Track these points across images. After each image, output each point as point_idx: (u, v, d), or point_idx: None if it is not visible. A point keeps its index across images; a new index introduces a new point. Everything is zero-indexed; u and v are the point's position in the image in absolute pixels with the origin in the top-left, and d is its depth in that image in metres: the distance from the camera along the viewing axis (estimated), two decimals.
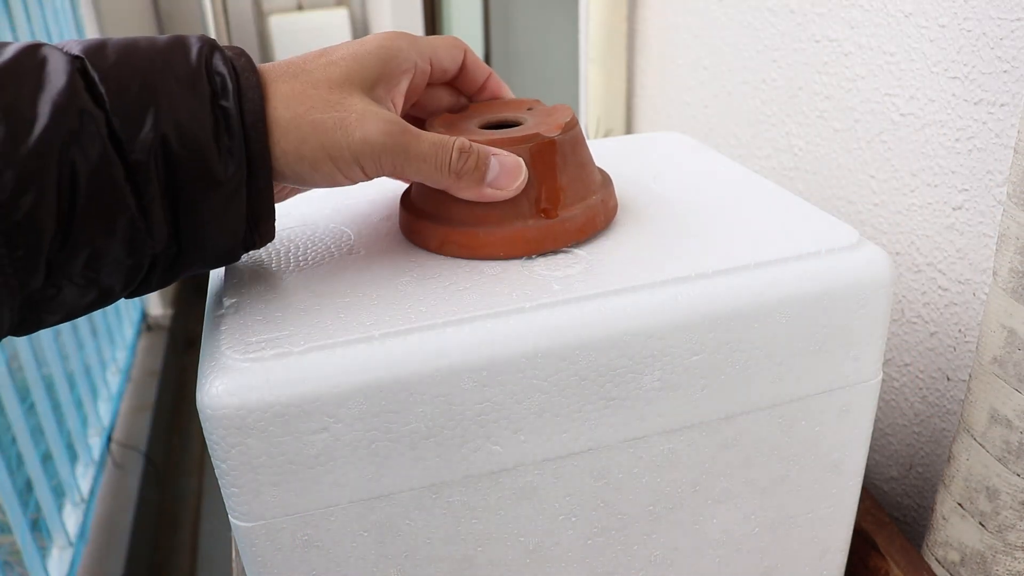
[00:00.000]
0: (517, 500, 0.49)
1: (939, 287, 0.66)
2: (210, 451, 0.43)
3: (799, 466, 0.55)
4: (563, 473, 0.49)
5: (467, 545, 0.49)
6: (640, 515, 0.52)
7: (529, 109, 0.53)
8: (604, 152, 0.73)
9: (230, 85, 0.38)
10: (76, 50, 0.37)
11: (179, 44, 0.39)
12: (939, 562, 0.61)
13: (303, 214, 0.58)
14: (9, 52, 0.36)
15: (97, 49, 0.37)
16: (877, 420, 0.76)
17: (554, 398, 0.46)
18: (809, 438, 0.54)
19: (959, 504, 0.58)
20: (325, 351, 0.42)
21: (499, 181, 0.45)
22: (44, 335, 1.74)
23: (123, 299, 0.42)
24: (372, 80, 0.43)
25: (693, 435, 0.51)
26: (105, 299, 0.40)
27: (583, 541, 0.52)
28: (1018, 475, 0.54)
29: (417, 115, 0.53)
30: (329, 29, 3.77)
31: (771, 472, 0.55)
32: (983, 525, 0.57)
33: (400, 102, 0.46)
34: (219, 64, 0.39)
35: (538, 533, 0.51)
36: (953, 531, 0.59)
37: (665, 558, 0.55)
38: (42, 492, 1.57)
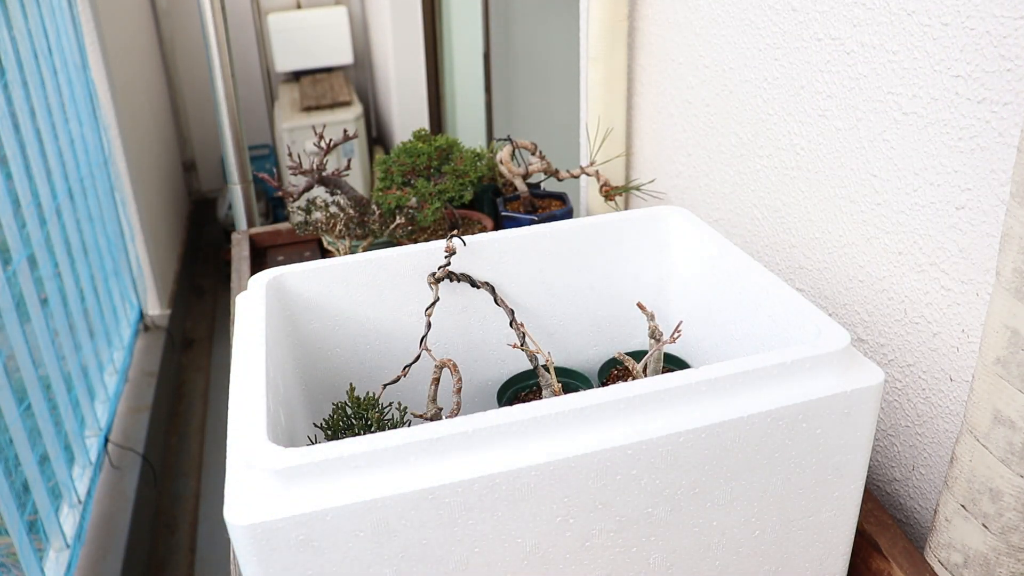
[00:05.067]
0: (515, 501, 0.48)
1: (942, 287, 0.66)
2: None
3: (800, 469, 0.55)
4: (561, 474, 0.49)
5: (463, 546, 0.49)
6: (639, 517, 0.52)
7: None
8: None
9: None
10: None
11: None
12: (942, 564, 0.61)
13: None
14: None
15: None
16: (880, 421, 0.76)
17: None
18: (811, 441, 0.54)
19: (962, 506, 0.58)
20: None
21: None
22: (41, 336, 1.74)
23: (120, 298, 0.42)
24: None
25: (693, 436, 0.51)
26: None
27: (581, 543, 0.51)
28: (1021, 476, 0.53)
29: None
30: (328, 27, 3.76)
31: (772, 475, 0.54)
32: (986, 527, 0.56)
33: None
34: None
35: (536, 535, 0.50)
36: (956, 533, 0.59)
37: (664, 561, 0.55)
38: (39, 493, 1.57)
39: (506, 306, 0.72)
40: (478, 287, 0.73)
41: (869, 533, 0.65)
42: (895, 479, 0.75)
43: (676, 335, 0.65)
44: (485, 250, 0.74)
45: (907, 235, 0.69)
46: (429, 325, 0.69)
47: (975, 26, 0.59)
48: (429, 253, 0.73)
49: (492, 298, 0.74)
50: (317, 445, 0.47)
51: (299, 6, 3.83)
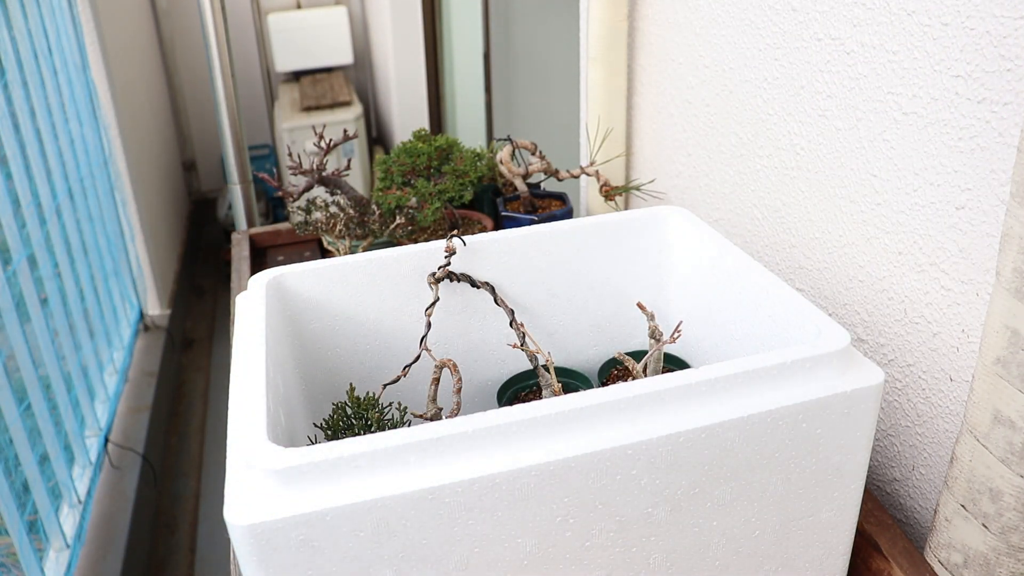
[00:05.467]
0: (515, 501, 0.48)
1: (942, 287, 0.66)
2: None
3: (800, 469, 0.55)
4: (561, 474, 0.48)
5: (463, 546, 0.49)
6: (639, 517, 0.52)
7: None
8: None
9: None
10: None
11: None
12: (942, 564, 0.61)
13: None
14: None
15: None
16: (880, 421, 0.76)
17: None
18: (811, 441, 0.54)
19: (962, 506, 0.58)
20: None
21: None
22: (41, 336, 1.74)
23: (120, 298, 0.41)
24: None
25: (693, 436, 0.51)
26: None
27: (581, 543, 0.51)
28: (1021, 476, 0.53)
29: None
30: (328, 27, 3.76)
31: (772, 475, 0.54)
32: (986, 527, 0.56)
33: None
34: None
35: (536, 535, 0.50)
36: (956, 533, 0.59)
37: (664, 560, 0.54)
38: (39, 493, 1.57)
39: (506, 306, 0.72)
40: (478, 287, 0.73)
41: (869, 533, 0.65)
42: (895, 479, 0.75)
43: (676, 335, 0.65)
44: (485, 250, 0.74)
45: (907, 235, 0.69)
46: (429, 325, 0.69)
47: (975, 26, 0.59)
48: (429, 253, 0.73)
49: (492, 298, 0.74)
50: (317, 445, 0.47)
51: (299, 6, 3.83)
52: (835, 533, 0.59)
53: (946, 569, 0.60)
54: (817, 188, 0.79)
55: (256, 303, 0.65)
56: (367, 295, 0.72)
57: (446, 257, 0.72)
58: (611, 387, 0.51)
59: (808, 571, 0.60)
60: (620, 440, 0.49)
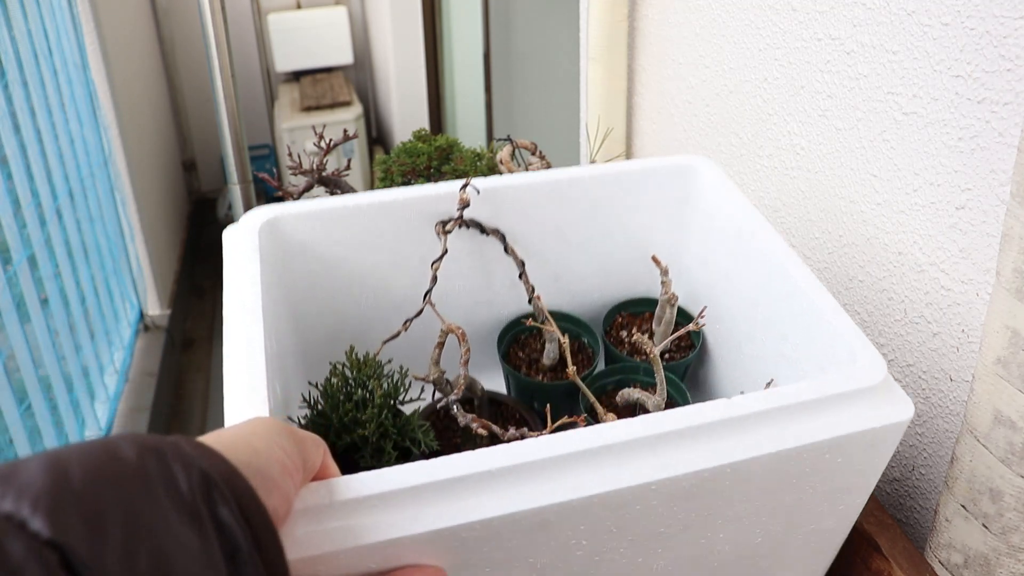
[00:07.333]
0: (532, 532, 0.47)
1: (942, 287, 0.66)
2: None
3: (814, 490, 0.53)
4: (583, 509, 0.47)
5: (477, 569, 0.47)
6: (650, 536, 0.50)
7: None
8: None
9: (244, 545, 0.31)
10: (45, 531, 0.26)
11: (156, 479, 0.29)
12: (942, 564, 0.61)
13: None
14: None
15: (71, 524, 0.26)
16: None
17: None
18: (831, 469, 0.52)
19: (962, 506, 0.58)
20: None
21: None
22: (42, 336, 1.74)
23: (120, 298, 0.40)
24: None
25: (718, 472, 0.49)
26: None
27: (590, 559, 0.50)
28: (1022, 476, 0.53)
29: None
30: (328, 27, 3.76)
31: (786, 496, 0.53)
32: (986, 527, 0.56)
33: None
34: (224, 513, 0.30)
35: (547, 556, 0.48)
36: (956, 533, 0.59)
37: (666, 568, 0.54)
38: None
39: (516, 256, 0.69)
40: (487, 234, 0.71)
41: (869, 533, 0.65)
42: (895, 479, 0.75)
43: (700, 322, 0.64)
44: (496, 196, 0.71)
45: (907, 235, 0.69)
46: (435, 279, 0.66)
47: (975, 26, 0.59)
48: (439, 198, 0.69)
49: (502, 246, 0.71)
50: (326, 482, 0.44)
51: (299, 6, 3.83)
52: (834, 535, 0.59)
53: (946, 569, 0.61)
54: (817, 188, 0.79)
55: (249, 252, 0.61)
56: (369, 240, 0.69)
57: (459, 209, 0.68)
58: (637, 421, 0.49)
59: (804, 569, 0.60)
60: (645, 477, 0.47)
